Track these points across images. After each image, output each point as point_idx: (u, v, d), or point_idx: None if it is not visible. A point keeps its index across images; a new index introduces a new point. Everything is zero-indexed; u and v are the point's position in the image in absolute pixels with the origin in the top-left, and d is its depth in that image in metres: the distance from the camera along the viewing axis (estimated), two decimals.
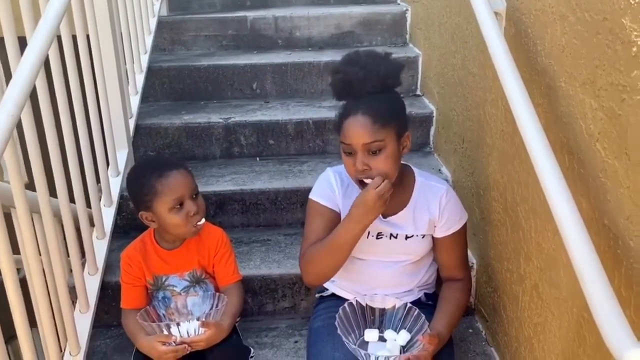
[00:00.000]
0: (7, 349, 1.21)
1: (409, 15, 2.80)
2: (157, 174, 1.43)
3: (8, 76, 1.28)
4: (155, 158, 1.50)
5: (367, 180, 1.35)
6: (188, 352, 1.40)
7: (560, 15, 1.15)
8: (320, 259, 1.43)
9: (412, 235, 1.48)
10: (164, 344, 1.38)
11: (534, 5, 1.28)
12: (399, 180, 1.44)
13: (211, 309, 1.46)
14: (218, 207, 2.08)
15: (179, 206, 1.43)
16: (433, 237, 1.52)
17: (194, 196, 1.46)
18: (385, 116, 1.33)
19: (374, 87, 1.34)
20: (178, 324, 1.40)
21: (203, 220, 1.48)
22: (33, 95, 1.29)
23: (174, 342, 1.38)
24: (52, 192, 1.50)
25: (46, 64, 1.37)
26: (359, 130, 1.32)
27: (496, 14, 1.41)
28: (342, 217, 1.47)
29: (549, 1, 1.20)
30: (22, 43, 1.35)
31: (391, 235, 1.48)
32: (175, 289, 1.54)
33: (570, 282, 1.17)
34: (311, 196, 1.51)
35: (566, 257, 1.16)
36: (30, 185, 1.42)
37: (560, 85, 1.16)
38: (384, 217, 1.47)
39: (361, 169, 1.34)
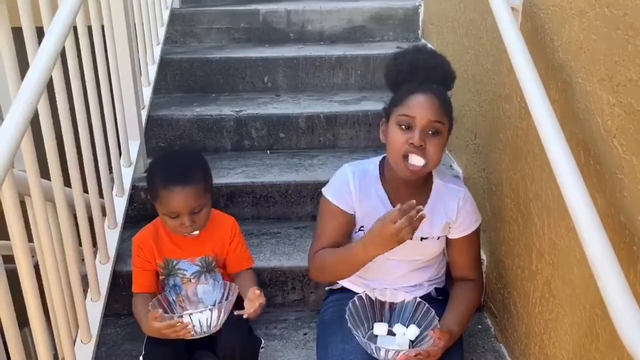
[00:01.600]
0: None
1: (421, 11, 2.79)
2: (164, 183, 1.44)
3: (24, 65, 1.28)
4: (175, 157, 1.46)
5: (412, 162, 1.34)
6: (180, 323, 1.37)
7: (579, 10, 1.14)
8: (329, 268, 1.46)
9: (428, 237, 1.48)
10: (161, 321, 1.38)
11: (551, 1, 1.27)
12: (418, 181, 1.44)
13: (221, 299, 1.47)
14: (229, 200, 2.09)
15: (175, 216, 1.46)
16: (447, 238, 1.52)
17: (195, 212, 1.47)
18: (447, 104, 1.37)
19: (437, 78, 1.37)
20: (190, 314, 1.40)
21: (197, 232, 1.50)
22: (48, 86, 1.30)
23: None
24: (64, 182, 1.51)
25: (61, 53, 1.38)
26: (427, 105, 1.33)
27: (512, 9, 1.40)
28: (357, 217, 1.47)
29: None
30: (39, 33, 1.36)
31: None
32: (185, 273, 1.55)
33: (583, 278, 1.17)
34: (325, 194, 1.49)
35: (580, 254, 1.17)
36: (42, 174, 1.43)
37: (577, 81, 1.16)
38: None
39: (418, 143, 1.32)
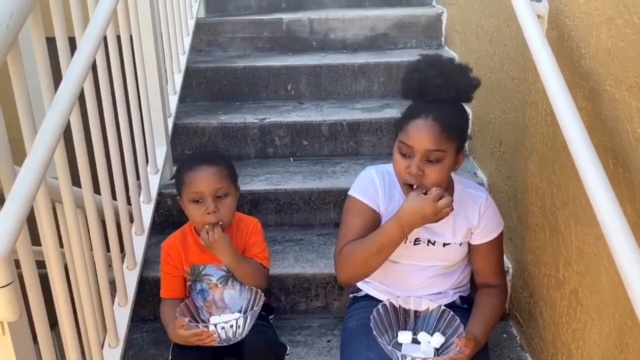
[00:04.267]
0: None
1: (444, 18, 2.79)
2: (189, 166, 1.51)
3: (55, 74, 1.31)
4: (203, 152, 1.58)
5: (414, 187, 1.33)
6: (205, 331, 1.39)
7: (607, 18, 1.14)
8: (359, 258, 1.40)
9: (450, 243, 1.48)
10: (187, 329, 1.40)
11: (578, 8, 1.27)
12: None
13: (248, 305, 1.49)
14: (252, 206, 2.11)
15: (198, 200, 1.48)
16: (469, 244, 1.51)
17: (219, 197, 1.49)
18: (453, 128, 1.31)
19: (448, 96, 1.31)
20: (216, 323, 1.41)
21: (220, 223, 1.49)
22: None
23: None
24: (94, 189, 1.54)
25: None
26: (425, 135, 1.30)
27: (538, 16, 1.39)
28: (383, 217, 1.47)
29: (594, 4, 1.19)
30: (70, 42, 1.40)
31: (429, 241, 1.48)
32: (211, 278, 1.57)
33: (612, 288, 1.16)
34: (352, 193, 1.49)
35: (608, 262, 1.16)
36: (72, 182, 1.46)
37: (605, 89, 1.15)
38: None
39: (415, 173, 1.31)
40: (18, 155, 1.19)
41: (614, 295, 1.16)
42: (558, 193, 1.41)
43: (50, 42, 1.35)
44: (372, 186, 1.48)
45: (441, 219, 1.31)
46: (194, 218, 1.52)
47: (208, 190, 1.47)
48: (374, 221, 1.45)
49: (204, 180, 1.48)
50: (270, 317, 1.71)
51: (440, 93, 1.31)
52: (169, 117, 2.24)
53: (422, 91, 1.34)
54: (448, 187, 1.47)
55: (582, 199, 1.27)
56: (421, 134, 1.30)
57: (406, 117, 1.35)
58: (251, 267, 1.54)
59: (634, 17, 1.03)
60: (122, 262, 1.76)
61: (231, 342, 1.43)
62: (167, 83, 2.26)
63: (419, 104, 1.35)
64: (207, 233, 1.47)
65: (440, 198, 1.28)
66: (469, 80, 1.36)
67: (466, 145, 2.28)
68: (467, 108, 2.28)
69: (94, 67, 1.49)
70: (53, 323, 1.31)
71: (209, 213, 1.47)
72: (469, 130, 2.26)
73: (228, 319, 1.42)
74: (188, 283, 1.60)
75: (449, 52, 2.65)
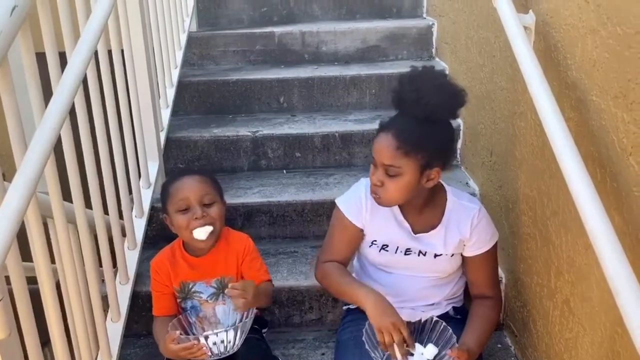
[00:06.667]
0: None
1: (435, 30, 2.81)
2: (174, 179, 1.53)
3: (46, 88, 1.32)
4: (186, 168, 1.59)
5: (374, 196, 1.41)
6: (196, 345, 1.39)
7: (591, 29, 1.15)
8: (334, 288, 1.52)
9: (441, 254, 1.48)
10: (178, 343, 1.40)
11: (564, 19, 1.28)
12: (431, 199, 1.45)
13: (241, 319, 1.48)
14: (246, 219, 2.11)
15: (185, 209, 1.47)
16: (462, 255, 1.52)
17: (206, 204, 1.48)
18: (413, 145, 1.31)
19: (419, 112, 1.32)
20: (206, 337, 1.41)
21: (211, 227, 1.47)
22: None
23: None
24: (85, 203, 1.54)
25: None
26: (383, 148, 1.35)
27: (525, 28, 1.41)
28: (369, 232, 1.49)
29: (579, 15, 1.21)
30: (61, 57, 1.40)
31: (420, 252, 1.48)
32: (201, 295, 1.56)
33: (603, 296, 1.16)
34: (339, 204, 1.53)
35: (598, 272, 1.16)
36: (63, 196, 1.46)
37: (592, 99, 1.16)
38: (415, 233, 1.48)
39: (374, 183, 1.38)
40: (9, 171, 1.19)
41: (604, 304, 1.16)
42: (548, 203, 1.42)
43: (41, 57, 1.36)
44: (357, 202, 1.50)
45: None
46: (181, 224, 1.48)
47: (194, 196, 1.47)
48: (357, 238, 1.52)
49: (190, 186, 1.48)
50: (264, 330, 1.70)
51: (412, 108, 1.33)
52: (162, 130, 2.24)
53: (399, 104, 1.37)
54: (439, 199, 1.48)
55: (572, 208, 1.28)
56: (380, 148, 1.36)
57: (378, 127, 1.40)
58: (265, 291, 1.55)
59: (617, 28, 1.04)
60: (115, 277, 1.75)
61: (223, 355, 1.42)
62: (159, 97, 2.27)
63: (393, 117, 1.39)
64: (238, 295, 1.41)
65: None
66: (449, 99, 1.35)
67: (458, 155, 2.32)
68: (458, 119, 2.32)
69: (85, 82, 1.50)
70: (45, 341, 1.30)
71: (196, 218, 1.46)
72: (459, 143, 2.29)
73: (221, 336, 1.41)
74: (178, 301, 1.59)
75: (440, 64, 2.67)
